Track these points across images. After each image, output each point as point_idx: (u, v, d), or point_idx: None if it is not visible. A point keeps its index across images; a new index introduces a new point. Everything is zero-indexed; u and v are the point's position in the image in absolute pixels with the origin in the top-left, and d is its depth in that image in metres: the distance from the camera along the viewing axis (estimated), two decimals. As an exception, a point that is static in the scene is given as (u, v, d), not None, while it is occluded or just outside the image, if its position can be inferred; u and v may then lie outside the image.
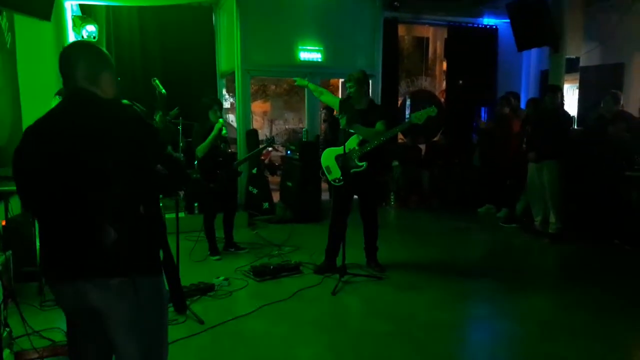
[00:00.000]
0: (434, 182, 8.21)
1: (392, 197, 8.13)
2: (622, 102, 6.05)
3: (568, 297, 4.33)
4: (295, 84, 5.08)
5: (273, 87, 10.39)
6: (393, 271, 4.86)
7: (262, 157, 8.71)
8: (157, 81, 4.28)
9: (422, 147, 8.71)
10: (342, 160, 4.59)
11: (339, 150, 4.58)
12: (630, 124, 5.80)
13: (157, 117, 6.15)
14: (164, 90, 4.24)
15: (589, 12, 7.47)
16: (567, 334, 3.61)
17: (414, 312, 3.97)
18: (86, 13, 6.71)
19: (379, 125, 4.48)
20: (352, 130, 4.52)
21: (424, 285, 4.55)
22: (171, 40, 7.51)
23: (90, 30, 6.45)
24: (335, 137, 4.81)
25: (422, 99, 8.65)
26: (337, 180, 4.67)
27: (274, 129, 10.74)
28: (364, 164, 4.56)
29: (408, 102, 8.76)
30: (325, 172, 4.77)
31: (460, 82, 8.95)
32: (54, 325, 3.41)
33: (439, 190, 8.20)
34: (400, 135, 8.77)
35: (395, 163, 8.21)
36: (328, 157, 4.75)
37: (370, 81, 7.60)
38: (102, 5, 6.85)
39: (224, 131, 5.06)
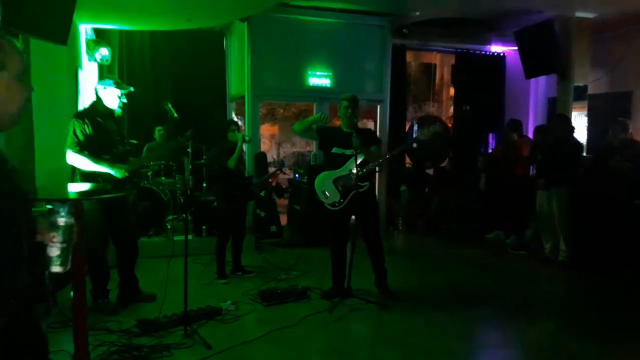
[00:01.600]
0: (441, 207, 8.19)
1: (400, 221, 8.11)
2: (630, 129, 6.05)
3: (576, 326, 4.28)
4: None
5: (281, 110, 10.47)
6: (401, 297, 4.80)
7: (270, 180, 8.73)
8: (169, 105, 4.33)
9: (430, 172, 8.71)
10: (343, 183, 4.59)
11: (336, 173, 4.60)
12: (632, 153, 5.79)
13: (157, 135, 6.22)
14: (175, 114, 4.29)
15: (597, 41, 7.53)
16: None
17: (422, 339, 3.92)
18: (99, 37, 6.83)
19: (375, 149, 4.61)
20: (348, 152, 4.57)
21: (431, 311, 4.51)
22: (182, 64, 7.63)
23: (103, 53, 6.54)
24: (327, 162, 4.75)
25: (429, 123, 8.66)
26: (336, 204, 4.62)
27: (281, 152, 10.79)
28: (366, 183, 4.59)
29: (415, 127, 8.79)
30: (321, 196, 4.66)
31: (467, 107, 8.99)
32: (61, 347, 3.38)
33: (447, 216, 8.17)
34: (407, 160, 8.80)
35: (403, 188, 8.21)
36: (323, 181, 4.67)
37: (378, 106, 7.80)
38: (116, 29, 6.97)
39: (246, 138, 5.25)
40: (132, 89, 4.34)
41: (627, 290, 5.31)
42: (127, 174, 4.18)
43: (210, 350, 3.55)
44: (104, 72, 6.84)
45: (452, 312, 4.52)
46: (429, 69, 11.40)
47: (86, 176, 4.08)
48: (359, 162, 4.50)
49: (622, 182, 5.67)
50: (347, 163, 4.59)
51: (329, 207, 4.65)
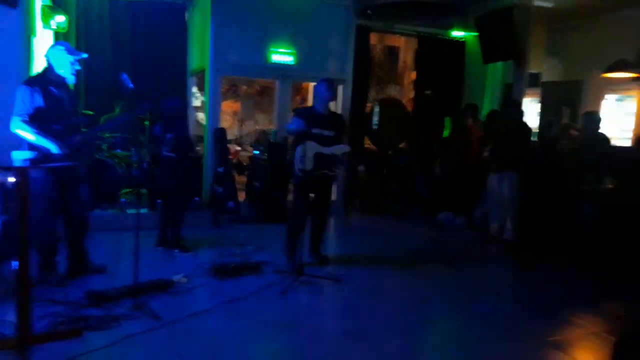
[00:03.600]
0: (398, 188, 8.33)
1: (356, 201, 8.22)
2: (567, 117, 6.38)
3: (514, 301, 4.53)
4: None
5: (245, 87, 10.37)
6: (353, 274, 4.93)
7: (230, 157, 8.70)
8: (125, 75, 4.25)
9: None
10: (323, 159, 4.80)
11: (322, 149, 4.80)
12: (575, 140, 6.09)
13: (117, 108, 6.11)
14: (131, 85, 4.21)
15: (552, 30, 7.74)
16: (514, 333, 3.78)
17: (372, 313, 4.05)
18: (56, 3, 6.60)
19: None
20: (325, 133, 4.85)
21: (383, 287, 4.68)
22: (142, 35, 7.45)
23: (59, 20, 6.33)
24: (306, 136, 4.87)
25: (389, 106, 8.76)
26: (305, 172, 4.77)
27: (243, 129, 10.72)
28: (337, 171, 5.05)
29: (377, 109, 8.86)
30: (297, 158, 4.82)
31: (428, 92, 9.11)
32: (4, 317, 3.36)
33: (403, 197, 8.32)
34: (367, 141, 8.89)
35: (361, 168, 8.31)
36: (309, 148, 4.81)
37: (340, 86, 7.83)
38: (73, -4, 6.76)
39: None
40: (85, 55, 4.23)
41: (565, 267, 5.59)
42: (64, 151, 3.98)
43: (158, 321, 3.57)
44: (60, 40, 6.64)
45: (402, 288, 4.71)
46: (393, 52, 11.46)
47: (34, 145, 3.98)
48: (342, 152, 4.91)
49: (567, 166, 5.93)
50: (334, 147, 4.85)
51: (297, 171, 4.81)
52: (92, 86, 7.17)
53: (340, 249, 6.25)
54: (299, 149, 4.80)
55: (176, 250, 5.38)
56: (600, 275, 5.29)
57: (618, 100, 7.58)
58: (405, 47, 10.98)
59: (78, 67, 4.21)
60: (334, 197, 7.88)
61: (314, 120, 4.87)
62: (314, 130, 4.84)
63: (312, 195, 4.96)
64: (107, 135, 6.40)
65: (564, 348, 3.60)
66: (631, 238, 5.12)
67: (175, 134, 5.28)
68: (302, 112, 5.16)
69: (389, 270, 5.23)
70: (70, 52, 4.13)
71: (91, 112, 6.46)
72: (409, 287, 4.74)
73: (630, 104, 7.40)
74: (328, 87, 4.96)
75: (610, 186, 5.67)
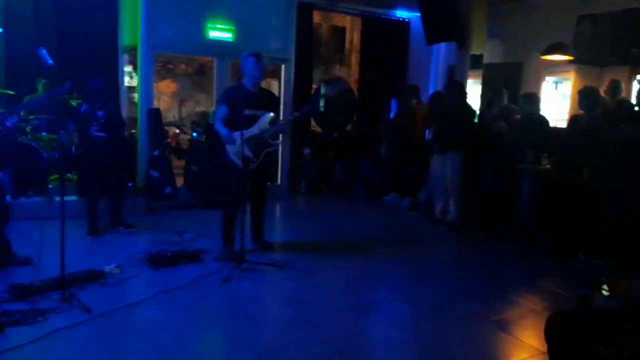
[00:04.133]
0: (343, 171, 8.30)
1: (302, 185, 8.13)
2: (505, 99, 6.58)
3: (459, 281, 4.56)
4: None
5: (183, 66, 9.96)
6: (297, 260, 4.83)
7: (169, 140, 8.36)
8: (43, 51, 3.90)
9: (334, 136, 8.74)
10: (255, 142, 4.55)
11: (247, 133, 4.48)
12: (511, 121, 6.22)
13: (40, 87, 5.69)
14: (50, 61, 3.86)
15: (493, 12, 7.82)
16: (457, 314, 3.81)
17: (314, 297, 4.00)
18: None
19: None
20: (259, 114, 4.57)
21: (327, 271, 4.62)
22: (68, 8, 6.92)
23: (-28, -10, 5.80)
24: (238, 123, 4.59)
25: (334, 86, 8.65)
26: (250, 164, 4.55)
27: (183, 111, 10.34)
28: (278, 141, 4.75)
29: (322, 91, 8.74)
30: (235, 157, 4.58)
31: (373, 73, 9.07)
32: None
33: (349, 180, 8.30)
34: (313, 124, 8.77)
35: (307, 151, 8.20)
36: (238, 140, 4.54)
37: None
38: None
39: None
40: (0, 30, 3.84)
41: (506, 246, 5.69)
42: None
43: (89, 314, 3.36)
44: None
45: (346, 270, 4.66)
46: (339, 33, 11.33)
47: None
48: (269, 120, 4.60)
49: (504, 146, 6.03)
50: (259, 122, 4.56)
51: (238, 164, 4.54)
52: (13, 63, 6.63)
53: (285, 234, 6.15)
54: (229, 147, 4.57)
55: (121, 228, 5.38)
56: (538, 253, 5.39)
57: (555, 82, 7.78)
58: (352, 27, 10.86)
59: None
60: (279, 181, 7.77)
61: (244, 100, 4.55)
62: (247, 112, 4.51)
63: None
64: (31, 117, 5.94)
65: (506, 327, 3.63)
66: (566, 214, 5.25)
67: (104, 112, 5.13)
68: (228, 94, 4.76)
69: (333, 254, 5.15)
70: None
71: (12, 92, 5.97)
72: (352, 272, 4.68)
73: (567, 87, 7.61)
74: (256, 61, 4.60)
75: (548, 166, 5.80)
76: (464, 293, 4.24)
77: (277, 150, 4.89)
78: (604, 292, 2.76)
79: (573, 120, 5.92)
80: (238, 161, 4.53)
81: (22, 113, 5.21)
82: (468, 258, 5.40)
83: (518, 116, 6.30)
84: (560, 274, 4.78)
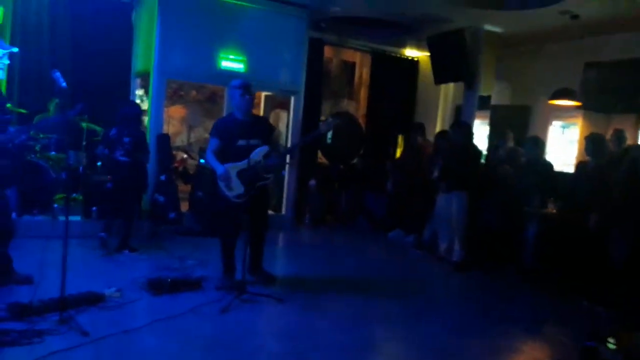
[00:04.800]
0: (348, 203, 8.30)
1: (307, 216, 8.12)
2: (511, 141, 6.70)
3: (460, 323, 4.49)
4: None
5: (194, 92, 10.09)
6: (298, 292, 4.79)
7: (176, 165, 8.39)
8: (57, 73, 3.98)
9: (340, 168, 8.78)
10: (248, 175, 4.49)
11: (239, 165, 4.50)
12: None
13: (52, 107, 5.78)
14: (64, 84, 3.94)
15: (503, 55, 7.94)
16: (457, 357, 3.74)
17: (314, 333, 3.92)
18: (-9, -7, 6.19)
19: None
20: (253, 142, 4.54)
21: (328, 306, 4.55)
22: (84, 33, 7.08)
23: (-6, 12, 5.95)
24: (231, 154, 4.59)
25: (342, 120, 8.73)
26: (239, 197, 4.52)
27: (192, 137, 10.42)
28: (270, 175, 4.61)
29: (330, 119, 8.83)
30: (226, 190, 4.55)
31: (381, 109, 9.17)
32: None
33: (353, 213, 8.29)
34: (319, 155, 8.82)
35: (312, 182, 8.22)
36: (230, 174, 4.54)
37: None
38: (10, -14, 6.35)
39: None
40: (15, 49, 3.93)
41: (510, 288, 5.63)
42: None
43: (86, 337, 3.32)
44: (-7, 33, 6.22)
45: (347, 306, 4.57)
46: (349, 67, 11.50)
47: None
48: (264, 154, 4.51)
49: (510, 189, 6.04)
50: (253, 155, 4.48)
51: (232, 199, 4.55)
52: (27, 83, 6.73)
53: (287, 265, 6.10)
54: (220, 179, 4.51)
55: (125, 251, 5.46)
56: (542, 296, 5.33)
57: (563, 127, 7.83)
58: (361, 63, 11.02)
59: (7, 61, 3.92)
60: (284, 210, 7.76)
61: (236, 130, 4.55)
62: (240, 143, 4.52)
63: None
64: (41, 135, 6.00)
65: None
66: (571, 258, 5.21)
67: (131, 138, 5.31)
68: (219, 127, 4.68)
69: (335, 289, 5.07)
70: None
71: (24, 111, 6.05)
72: (353, 307, 4.59)
73: (574, 132, 7.66)
74: (242, 93, 4.55)
75: (553, 210, 5.79)
76: (464, 336, 4.16)
77: (273, 183, 4.83)
78: (610, 345, 2.71)
79: (580, 166, 5.94)
80: (228, 193, 4.53)
81: (32, 132, 5.27)
82: (472, 299, 5.33)
83: (524, 159, 6.33)
84: (564, 320, 4.71)
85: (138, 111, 5.74)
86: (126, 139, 5.30)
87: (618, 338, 2.65)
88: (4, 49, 3.86)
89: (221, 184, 4.54)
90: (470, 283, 5.84)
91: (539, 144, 6.26)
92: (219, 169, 4.52)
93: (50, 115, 6.45)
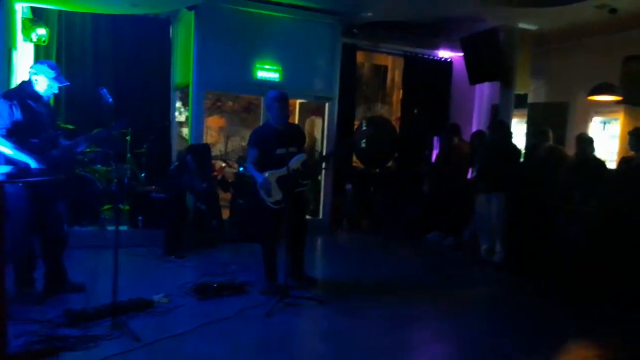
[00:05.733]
0: (385, 208, 8.29)
1: (344, 220, 8.16)
2: (551, 139, 6.50)
3: (504, 325, 4.44)
4: None
5: (231, 103, 10.30)
6: (339, 296, 4.83)
7: (215, 173, 8.58)
8: (104, 90, 4.18)
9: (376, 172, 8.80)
10: (286, 182, 4.61)
11: (278, 173, 4.62)
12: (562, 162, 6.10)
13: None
14: (110, 99, 4.14)
15: (538, 52, 7.83)
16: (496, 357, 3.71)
17: (354, 335, 3.97)
18: (37, 16, 6.50)
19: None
20: (291, 150, 4.67)
21: (367, 308, 4.57)
22: (125, 49, 7.36)
23: (40, 33, 6.25)
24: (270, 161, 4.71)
25: (377, 124, 8.76)
26: (278, 203, 4.65)
27: (229, 145, 10.63)
28: (308, 182, 4.80)
29: (364, 127, 8.88)
30: (265, 196, 4.66)
31: (415, 111, 9.15)
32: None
33: (390, 216, 8.28)
34: (354, 159, 8.86)
35: (349, 186, 8.26)
36: (270, 181, 4.66)
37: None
38: (55, 9, 6.66)
39: None
40: (67, 83, 4.14)
41: (551, 291, 5.51)
42: (42, 166, 3.86)
43: (138, 342, 3.45)
44: (41, 53, 6.53)
45: (387, 309, 4.58)
46: (380, 71, 11.52)
47: (11, 159, 3.85)
48: (302, 161, 4.62)
49: (548, 187, 5.93)
50: (290, 162, 4.59)
51: (271, 205, 4.67)
52: (73, 100, 7.04)
53: (327, 269, 6.16)
54: (260, 187, 4.63)
55: (172, 257, 5.70)
56: (587, 301, 5.17)
57: (603, 122, 7.65)
58: (393, 66, 11.04)
59: (56, 91, 4.13)
60: (321, 215, 7.84)
61: (273, 139, 4.67)
62: (279, 151, 4.65)
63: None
64: (88, 150, 6.26)
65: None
66: (615, 257, 5.08)
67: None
68: (258, 136, 4.82)
69: (373, 291, 5.11)
70: (56, 78, 4.04)
71: (71, 127, 6.33)
72: (392, 309, 4.60)
73: (615, 127, 7.47)
74: (279, 104, 4.68)
75: (595, 207, 5.65)
76: (506, 339, 4.11)
77: (304, 191, 4.95)
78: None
79: (624, 161, 5.79)
80: (268, 199, 4.65)
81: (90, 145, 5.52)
82: (513, 300, 5.25)
83: (564, 154, 6.21)
84: (611, 325, 4.59)
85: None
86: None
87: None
88: (59, 82, 4.07)
89: (261, 192, 4.66)
90: (511, 284, 5.76)
91: (590, 142, 6.10)
92: (259, 177, 4.65)
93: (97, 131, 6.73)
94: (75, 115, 6.97)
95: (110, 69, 7.35)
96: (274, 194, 4.65)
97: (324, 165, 5.56)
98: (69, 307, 3.83)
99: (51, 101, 4.32)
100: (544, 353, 3.88)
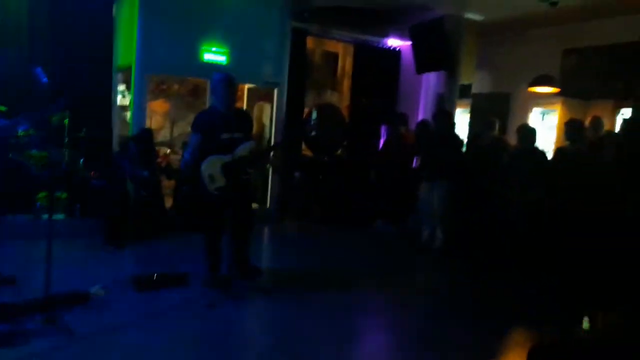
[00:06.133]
0: (333, 195, 8.32)
1: (292, 208, 8.14)
2: (497, 129, 6.62)
3: (443, 310, 4.57)
4: None
5: (177, 86, 9.99)
6: (284, 286, 4.83)
7: (160, 160, 8.34)
8: (39, 69, 3.95)
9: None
10: (231, 168, 4.45)
11: (225, 158, 4.43)
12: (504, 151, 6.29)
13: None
14: (45, 79, 3.92)
15: (482, 43, 8.00)
16: (438, 342, 3.83)
17: (298, 326, 3.97)
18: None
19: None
20: (236, 136, 4.47)
21: (312, 298, 4.57)
22: (64, 28, 6.98)
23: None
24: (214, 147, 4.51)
25: (326, 111, 8.74)
26: (220, 189, 4.45)
27: (175, 131, 10.33)
28: (252, 171, 4.64)
29: (314, 115, 8.84)
30: (207, 180, 4.45)
31: (364, 100, 9.19)
32: None
33: (337, 204, 8.32)
34: (303, 147, 8.83)
35: (297, 174, 8.23)
36: (212, 165, 4.45)
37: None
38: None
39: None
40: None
41: (489, 276, 5.67)
42: None
43: (71, 336, 3.33)
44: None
45: (332, 297, 4.62)
46: (332, 58, 11.49)
47: None
48: (250, 149, 4.46)
49: (490, 176, 6.10)
50: (238, 149, 4.45)
51: (213, 191, 4.48)
52: (6, 80, 6.64)
53: (273, 259, 6.13)
54: (203, 171, 4.42)
55: (111, 248, 5.55)
56: (521, 288, 5.36)
57: (542, 113, 7.93)
58: (344, 53, 11.02)
59: None
60: (268, 204, 7.78)
61: (219, 123, 4.46)
62: (224, 136, 4.44)
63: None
64: (21, 133, 5.93)
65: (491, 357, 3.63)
66: (552, 244, 5.29)
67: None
68: (201, 119, 4.59)
69: (318, 281, 5.12)
70: None
71: (4, 108, 5.97)
72: (337, 299, 4.63)
73: (553, 118, 7.76)
74: (225, 85, 4.47)
75: (535, 195, 5.85)
76: (448, 325, 4.22)
77: (250, 180, 4.78)
78: (585, 325, 2.79)
79: (559, 152, 6.02)
80: (209, 185, 4.43)
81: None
82: (450, 285, 5.41)
83: (510, 147, 6.37)
84: (542, 302, 4.79)
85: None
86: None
87: (593, 318, 2.72)
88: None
89: (204, 173, 4.45)
90: (450, 270, 5.92)
91: (532, 133, 6.27)
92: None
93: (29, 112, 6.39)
94: (7, 96, 6.58)
95: (48, 48, 6.96)
96: (217, 180, 4.47)
97: (271, 154, 5.42)
98: (-2, 301, 3.64)
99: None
100: (483, 338, 3.99)
